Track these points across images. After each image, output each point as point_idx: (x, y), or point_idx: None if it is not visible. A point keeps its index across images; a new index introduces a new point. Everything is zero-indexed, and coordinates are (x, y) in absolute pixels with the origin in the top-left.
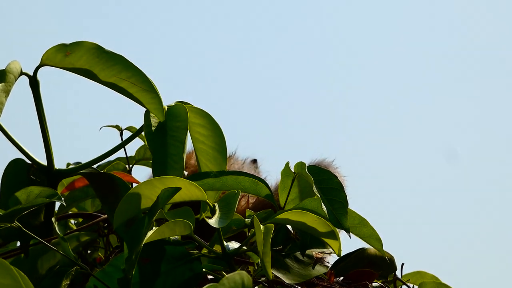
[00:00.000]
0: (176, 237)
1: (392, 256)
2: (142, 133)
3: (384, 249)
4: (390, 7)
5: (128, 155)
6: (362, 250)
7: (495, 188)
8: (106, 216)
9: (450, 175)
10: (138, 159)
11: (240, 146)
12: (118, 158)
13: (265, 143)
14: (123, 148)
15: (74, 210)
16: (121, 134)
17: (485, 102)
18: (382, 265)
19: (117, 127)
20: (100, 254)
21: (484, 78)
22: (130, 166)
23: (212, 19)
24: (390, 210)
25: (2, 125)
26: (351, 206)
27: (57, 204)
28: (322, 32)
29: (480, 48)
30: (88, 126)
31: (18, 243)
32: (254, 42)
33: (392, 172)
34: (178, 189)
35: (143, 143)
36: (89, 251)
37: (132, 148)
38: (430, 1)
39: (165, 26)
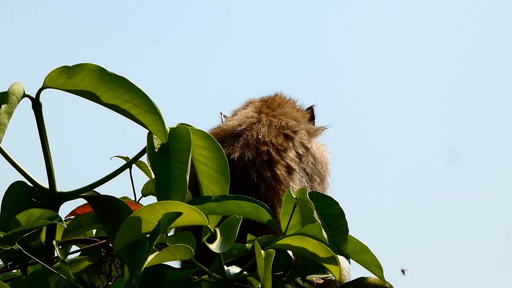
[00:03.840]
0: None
1: (392, 286)
2: (142, 158)
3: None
4: (394, 9)
5: (135, 190)
6: (361, 279)
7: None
8: (105, 241)
9: (457, 202)
10: (145, 194)
11: None
12: (125, 197)
13: None
14: (131, 183)
15: None
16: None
17: (484, 102)
18: None
19: (126, 158)
20: (101, 279)
21: (484, 79)
22: (137, 200)
23: (214, 42)
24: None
25: (2, 147)
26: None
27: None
28: (320, 40)
29: (481, 49)
30: (90, 149)
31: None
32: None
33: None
34: (179, 214)
35: (149, 179)
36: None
37: (141, 182)
38: (433, 4)
39: (166, 48)
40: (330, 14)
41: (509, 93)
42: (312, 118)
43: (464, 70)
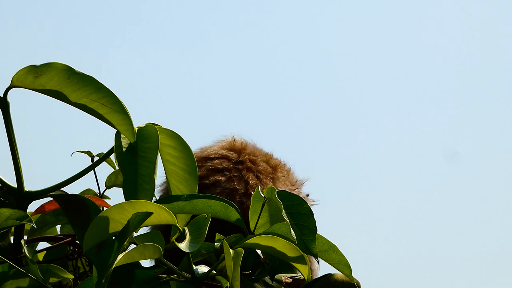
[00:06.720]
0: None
1: (359, 282)
2: (111, 156)
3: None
4: (390, 9)
5: (99, 182)
6: (329, 275)
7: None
8: (70, 239)
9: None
10: (109, 186)
11: None
12: (88, 189)
13: None
14: (94, 176)
15: None
16: (92, 160)
17: (485, 102)
18: None
19: (88, 153)
20: (68, 277)
21: (484, 79)
22: (101, 193)
23: (185, 43)
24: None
25: None
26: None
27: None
28: (311, 40)
29: (480, 50)
30: (58, 148)
31: None
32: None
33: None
34: (149, 214)
35: (114, 170)
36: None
37: (104, 174)
38: (431, 5)
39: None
40: (328, 13)
41: (510, 93)
42: None
43: (463, 69)
